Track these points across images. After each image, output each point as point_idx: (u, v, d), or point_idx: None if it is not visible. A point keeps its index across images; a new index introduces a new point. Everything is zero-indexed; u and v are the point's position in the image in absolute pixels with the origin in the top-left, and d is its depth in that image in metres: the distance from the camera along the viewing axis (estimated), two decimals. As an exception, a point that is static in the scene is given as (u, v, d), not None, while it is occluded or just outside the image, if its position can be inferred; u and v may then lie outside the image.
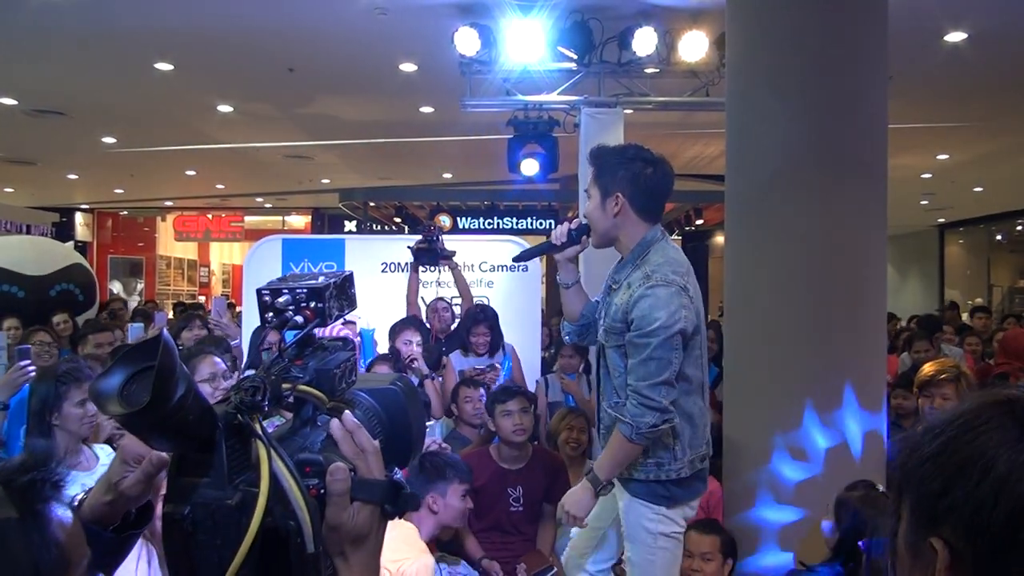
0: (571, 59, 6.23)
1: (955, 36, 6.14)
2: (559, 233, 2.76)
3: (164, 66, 7.21)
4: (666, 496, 2.60)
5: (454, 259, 5.01)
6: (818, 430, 3.18)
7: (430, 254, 4.84)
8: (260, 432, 0.83)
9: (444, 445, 3.65)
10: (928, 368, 3.48)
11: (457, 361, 4.82)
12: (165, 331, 0.77)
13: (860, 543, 2.30)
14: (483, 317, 4.84)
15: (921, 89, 7.27)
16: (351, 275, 1.05)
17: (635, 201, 2.60)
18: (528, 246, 6.43)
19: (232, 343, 4.87)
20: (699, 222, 13.40)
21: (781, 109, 3.31)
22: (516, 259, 3.03)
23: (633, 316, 2.49)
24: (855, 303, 3.25)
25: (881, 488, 2.62)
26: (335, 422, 0.92)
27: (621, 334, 2.54)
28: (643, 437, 2.47)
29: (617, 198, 2.59)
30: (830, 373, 3.19)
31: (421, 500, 2.87)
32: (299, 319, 0.97)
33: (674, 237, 15.11)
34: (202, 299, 17.50)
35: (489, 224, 11.53)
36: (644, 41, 5.80)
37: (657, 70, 6.37)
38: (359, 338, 4.98)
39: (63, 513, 0.87)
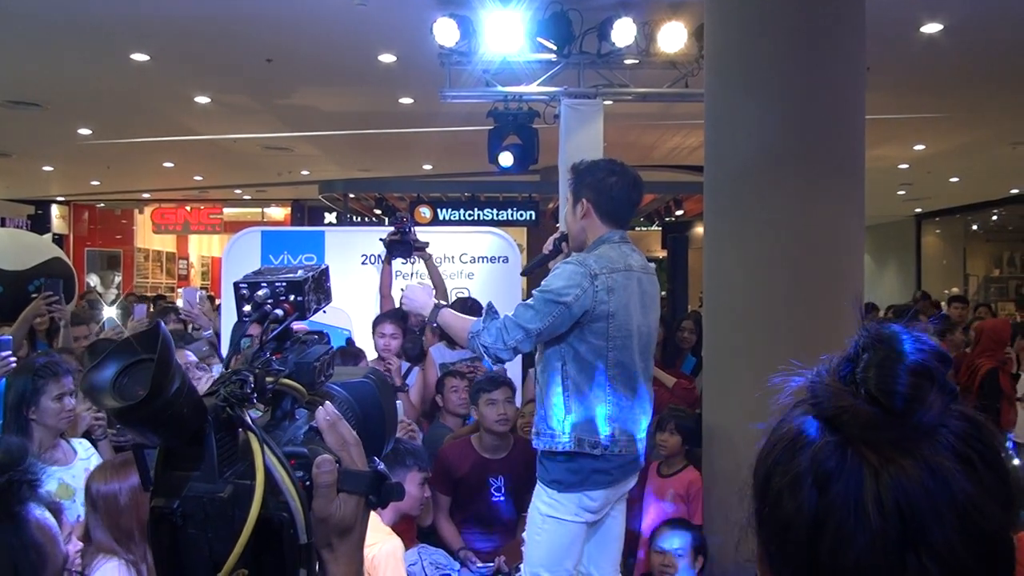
0: (550, 50, 6.22)
1: (931, 27, 6.19)
2: (547, 243, 3.08)
3: (140, 56, 7.13)
4: (556, 480, 2.79)
5: (427, 250, 4.99)
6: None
7: (403, 246, 4.81)
8: (252, 424, 0.83)
9: (413, 427, 3.65)
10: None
11: (440, 353, 4.81)
12: (162, 324, 0.77)
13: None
14: (476, 310, 4.79)
15: (898, 80, 7.33)
16: (327, 269, 1.05)
17: (599, 206, 2.88)
18: (509, 238, 6.48)
19: (204, 334, 4.84)
20: (679, 213, 13.44)
21: (759, 100, 3.33)
22: (523, 273, 3.31)
23: (543, 282, 2.80)
24: (833, 293, 3.27)
25: None
26: (320, 412, 0.93)
27: None
28: (474, 344, 2.75)
29: (583, 203, 2.89)
30: (808, 363, 3.22)
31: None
32: (279, 312, 0.96)
33: (654, 228, 15.17)
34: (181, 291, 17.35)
35: (470, 216, 11.50)
36: (623, 32, 5.80)
37: (636, 61, 6.38)
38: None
39: (40, 514, 0.86)
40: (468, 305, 4.88)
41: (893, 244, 17.94)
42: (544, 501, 2.82)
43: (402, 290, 2.99)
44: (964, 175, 13.22)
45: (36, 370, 2.93)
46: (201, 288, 16.79)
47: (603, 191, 2.86)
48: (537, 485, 2.88)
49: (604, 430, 2.76)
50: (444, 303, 2.91)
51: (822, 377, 0.74)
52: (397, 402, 3.53)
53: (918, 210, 17.34)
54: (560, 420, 2.76)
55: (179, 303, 6.95)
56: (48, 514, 0.87)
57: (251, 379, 0.85)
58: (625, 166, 2.96)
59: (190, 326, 5.10)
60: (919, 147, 10.98)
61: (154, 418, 0.74)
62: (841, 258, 3.33)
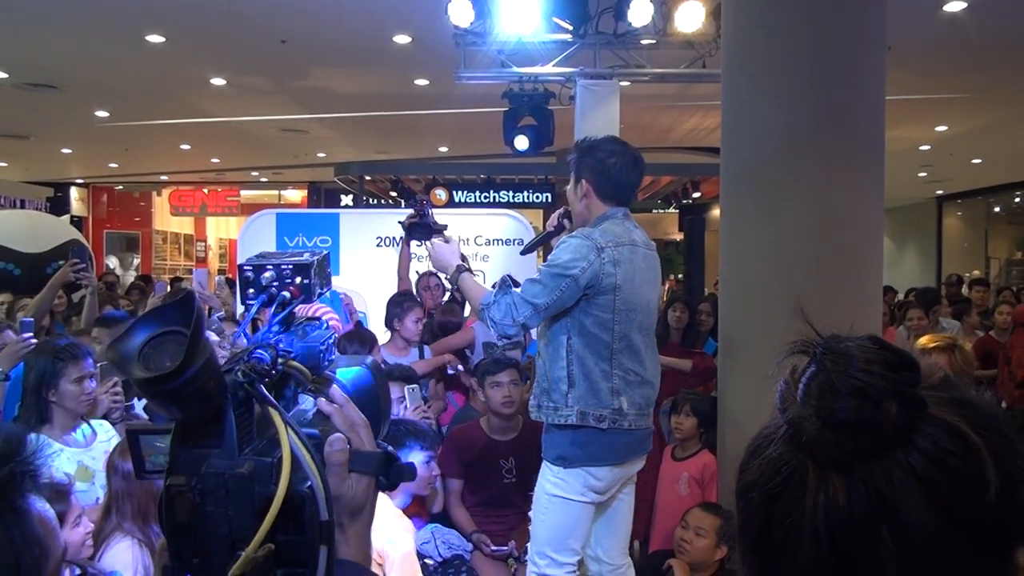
0: (566, 30, 6.17)
1: (954, 5, 6.09)
2: (551, 219, 3.07)
3: (156, 38, 7.14)
4: (562, 456, 2.79)
5: (445, 232, 4.97)
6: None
7: (423, 228, 4.79)
8: (274, 400, 0.84)
9: (427, 410, 3.64)
10: (922, 340, 3.49)
11: (484, 331, 4.75)
12: (196, 294, 0.77)
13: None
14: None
15: (920, 59, 7.22)
16: (328, 255, 1.06)
17: (598, 187, 2.88)
18: (524, 220, 6.46)
19: (216, 315, 4.87)
20: (696, 195, 13.33)
21: (778, 80, 3.28)
22: (523, 252, 3.39)
23: (549, 257, 2.81)
24: (851, 276, 3.24)
25: None
26: (331, 393, 0.94)
27: None
28: (483, 315, 2.77)
29: (583, 184, 2.90)
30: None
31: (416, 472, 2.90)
32: (286, 295, 0.97)
33: (671, 210, 15.08)
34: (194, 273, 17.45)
35: (485, 198, 11.47)
36: (640, 12, 5.74)
37: (653, 41, 6.32)
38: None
39: (41, 506, 0.84)
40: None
41: (913, 226, 17.75)
42: (550, 480, 2.82)
43: (431, 243, 3.05)
44: (987, 156, 13.04)
45: (56, 352, 2.93)
46: (218, 272, 16.92)
47: (602, 172, 2.87)
48: (543, 464, 2.88)
49: (610, 403, 2.76)
50: (467, 267, 2.94)
51: (787, 382, 0.70)
52: (415, 387, 3.52)
53: (939, 192, 17.14)
54: (563, 394, 2.76)
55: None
56: (47, 505, 0.86)
57: (267, 356, 0.85)
58: (626, 145, 2.95)
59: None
60: (941, 128, 10.83)
61: (180, 391, 0.73)
62: (860, 241, 3.28)
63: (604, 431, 2.75)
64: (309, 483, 0.81)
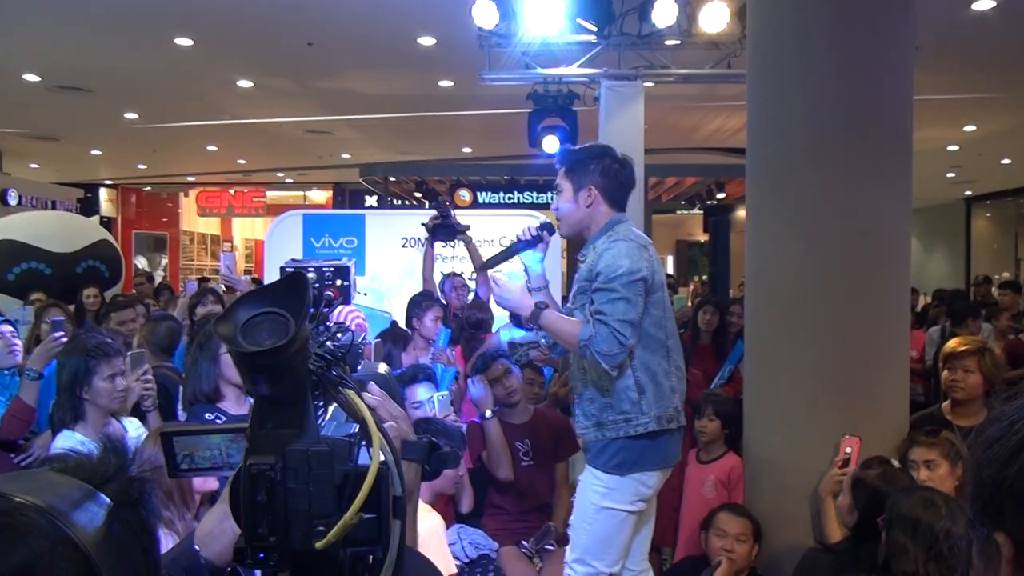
0: (591, 31, 6.18)
1: (982, 4, 6.03)
2: (523, 232, 2.96)
3: (184, 41, 7.23)
4: (618, 464, 2.72)
5: (467, 233, 5.02)
6: (838, 405, 3.17)
7: (447, 229, 4.84)
8: (351, 382, 0.89)
9: (455, 417, 3.67)
10: (953, 343, 3.48)
11: (507, 332, 4.79)
12: (310, 273, 0.81)
13: (878, 520, 2.31)
14: None
15: (948, 59, 7.14)
16: (354, 261, 1.12)
17: (607, 192, 2.83)
18: (545, 220, 6.45)
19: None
20: (720, 196, 13.28)
21: (804, 81, 3.27)
22: (481, 268, 3.06)
23: (599, 268, 2.69)
24: (878, 280, 3.22)
25: (896, 464, 2.64)
26: (371, 388, 1.00)
27: (587, 292, 2.73)
28: (587, 352, 2.63)
29: (590, 190, 2.82)
30: (852, 348, 3.17)
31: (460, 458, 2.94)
32: (330, 295, 1.01)
33: (695, 211, 15.02)
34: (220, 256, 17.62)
35: (509, 199, 11.51)
36: (664, 12, 5.73)
37: (678, 42, 6.31)
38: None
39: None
40: None
41: (942, 228, 17.53)
42: (598, 490, 2.75)
43: (495, 283, 2.87)
44: (1016, 157, 12.86)
45: (88, 350, 2.98)
46: (245, 272, 17.06)
47: (612, 177, 2.83)
48: (587, 470, 2.82)
49: (671, 402, 2.76)
50: (545, 303, 2.80)
51: None
52: (446, 393, 3.54)
53: (968, 193, 16.92)
54: (634, 402, 2.71)
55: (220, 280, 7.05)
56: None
57: (335, 347, 0.92)
58: (618, 152, 2.92)
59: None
60: (969, 128, 10.70)
61: (279, 366, 0.77)
62: (887, 243, 3.26)
63: (673, 432, 2.76)
64: (382, 459, 0.85)
